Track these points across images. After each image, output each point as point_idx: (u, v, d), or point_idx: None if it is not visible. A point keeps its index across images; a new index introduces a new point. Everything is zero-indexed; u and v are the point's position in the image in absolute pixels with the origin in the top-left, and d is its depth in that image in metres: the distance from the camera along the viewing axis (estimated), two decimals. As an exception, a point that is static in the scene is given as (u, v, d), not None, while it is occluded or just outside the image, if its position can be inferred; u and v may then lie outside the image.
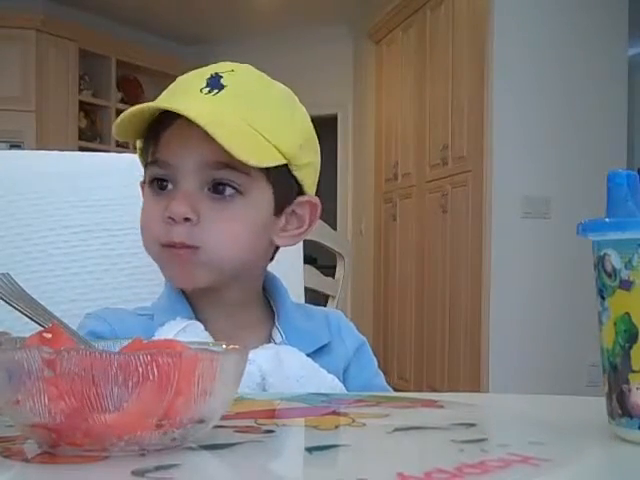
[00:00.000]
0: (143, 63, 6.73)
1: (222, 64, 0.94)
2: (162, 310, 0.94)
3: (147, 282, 1.11)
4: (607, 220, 0.58)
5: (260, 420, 0.63)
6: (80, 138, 6.29)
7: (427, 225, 4.96)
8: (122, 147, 6.66)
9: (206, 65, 0.95)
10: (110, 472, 0.47)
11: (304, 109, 0.97)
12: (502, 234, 4.21)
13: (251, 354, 0.85)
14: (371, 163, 5.98)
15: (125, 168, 1.19)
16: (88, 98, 6.44)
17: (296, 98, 0.97)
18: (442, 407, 0.72)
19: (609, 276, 0.57)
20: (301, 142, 0.93)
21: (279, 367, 0.87)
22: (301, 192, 0.95)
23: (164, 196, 0.90)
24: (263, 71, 0.96)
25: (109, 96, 6.56)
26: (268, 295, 0.99)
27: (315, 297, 1.33)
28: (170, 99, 0.91)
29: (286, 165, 0.91)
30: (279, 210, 0.93)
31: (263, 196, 0.91)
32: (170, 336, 0.86)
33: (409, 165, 5.30)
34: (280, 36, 6.43)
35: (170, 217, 0.88)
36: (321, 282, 1.39)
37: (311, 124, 0.97)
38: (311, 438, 0.59)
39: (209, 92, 0.90)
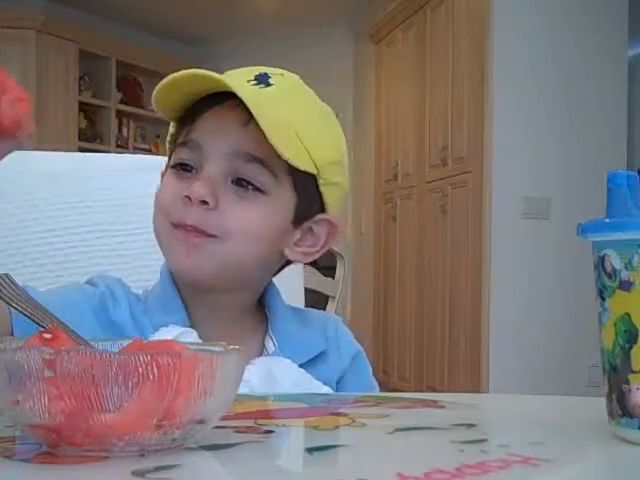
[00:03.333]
0: (143, 64, 6.73)
1: (273, 68, 0.94)
2: (155, 307, 0.91)
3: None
4: (607, 221, 0.58)
5: (260, 420, 0.63)
6: (80, 139, 6.29)
7: (427, 226, 4.96)
8: (122, 147, 6.67)
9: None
10: (110, 472, 0.47)
11: (342, 134, 0.97)
12: (502, 235, 4.22)
13: None
14: (371, 163, 5.98)
15: (125, 169, 1.19)
16: (88, 99, 6.44)
17: (337, 120, 0.97)
18: (442, 407, 0.72)
19: (609, 277, 0.57)
20: (334, 159, 0.92)
21: (270, 382, 0.85)
22: (323, 210, 0.93)
23: (187, 178, 0.88)
24: None
25: (109, 97, 6.56)
26: (263, 301, 0.97)
27: (315, 298, 1.33)
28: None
29: (315, 179, 0.90)
30: (298, 221, 0.92)
31: (285, 201, 0.90)
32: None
33: (409, 165, 5.30)
34: (280, 36, 6.43)
35: (187, 196, 0.86)
36: (321, 283, 1.38)
37: (346, 151, 0.97)
38: (311, 438, 0.59)
39: (256, 84, 0.90)
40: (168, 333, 0.86)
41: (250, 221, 0.87)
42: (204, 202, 0.85)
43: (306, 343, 0.95)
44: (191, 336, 0.87)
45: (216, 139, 0.87)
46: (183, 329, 0.88)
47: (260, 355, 0.93)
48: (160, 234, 0.90)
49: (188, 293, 0.92)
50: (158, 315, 0.90)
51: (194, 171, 0.88)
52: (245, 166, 0.87)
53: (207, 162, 0.87)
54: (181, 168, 0.89)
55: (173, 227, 0.87)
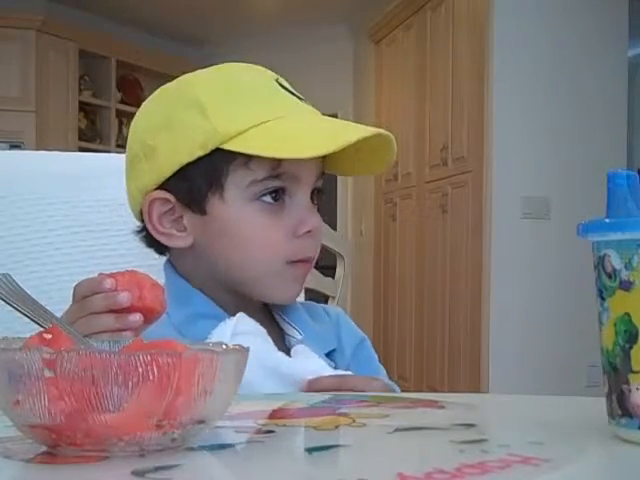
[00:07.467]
0: (143, 63, 6.73)
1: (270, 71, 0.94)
2: (176, 303, 0.86)
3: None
4: (607, 220, 0.58)
5: (260, 420, 0.63)
6: (80, 138, 6.28)
7: (427, 225, 4.96)
8: (122, 147, 6.67)
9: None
10: (110, 472, 0.47)
11: None
12: (502, 235, 4.22)
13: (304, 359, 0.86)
14: (371, 163, 5.97)
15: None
16: (88, 98, 6.44)
17: None
18: (442, 407, 0.72)
19: (609, 276, 0.57)
20: None
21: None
22: None
23: (280, 210, 0.87)
24: None
25: (109, 96, 6.55)
26: None
27: (315, 297, 1.33)
28: (276, 109, 0.87)
29: None
30: None
31: None
32: (227, 335, 0.84)
33: (409, 165, 5.30)
34: (280, 36, 6.42)
35: (310, 231, 0.87)
36: (321, 282, 1.38)
37: None
38: (311, 438, 0.59)
39: (300, 100, 0.91)
40: (226, 328, 0.85)
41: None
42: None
43: (325, 335, 0.96)
44: (245, 318, 0.87)
45: (310, 167, 0.88)
46: (238, 315, 0.87)
47: (283, 342, 0.93)
48: (268, 273, 0.88)
49: (209, 292, 0.92)
50: (205, 320, 0.88)
51: (287, 198, 0.88)
52: (318, 182, 0.90)
53: (301, 189, 0.88)
54: (272, 199, 0.87)
55: (290, 263, 0.88)
